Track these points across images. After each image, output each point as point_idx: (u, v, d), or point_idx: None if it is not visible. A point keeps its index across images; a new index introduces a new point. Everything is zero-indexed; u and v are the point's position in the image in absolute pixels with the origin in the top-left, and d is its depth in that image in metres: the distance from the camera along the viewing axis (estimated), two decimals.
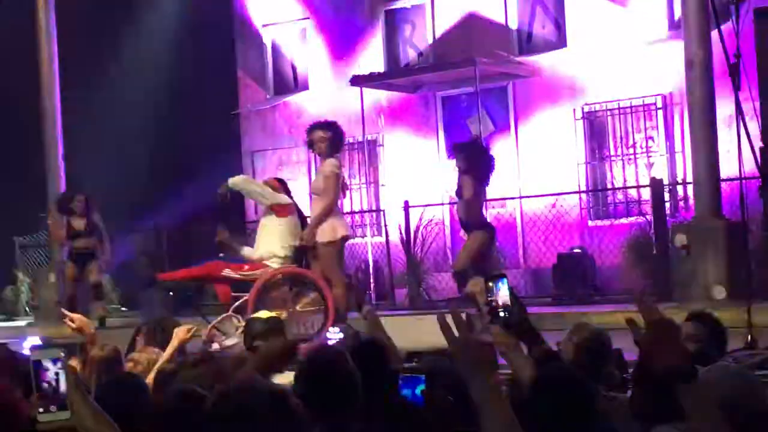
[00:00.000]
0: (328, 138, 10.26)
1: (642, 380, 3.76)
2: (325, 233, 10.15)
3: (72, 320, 7.16)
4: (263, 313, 6.11)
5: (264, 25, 19.30)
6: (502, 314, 3.98)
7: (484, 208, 12.13)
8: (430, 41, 17.69)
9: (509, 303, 3.98)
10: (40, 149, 16.93)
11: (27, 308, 17.63)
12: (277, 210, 10.41)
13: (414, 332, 8.29)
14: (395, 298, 15.43)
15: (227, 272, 10.27)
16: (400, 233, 15.73)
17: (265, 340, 5.73)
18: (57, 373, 3.07)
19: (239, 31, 19.59)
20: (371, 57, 18.06)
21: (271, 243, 10.39)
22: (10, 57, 18.12)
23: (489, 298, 4.00)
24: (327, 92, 18.57)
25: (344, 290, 10.22)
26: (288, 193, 10.69)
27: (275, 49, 19.34)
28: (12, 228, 19.03)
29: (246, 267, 10.36)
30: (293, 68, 19.27)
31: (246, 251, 10.66)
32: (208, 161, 16.66)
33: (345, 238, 10.35)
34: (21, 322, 16.25)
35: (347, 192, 10.80)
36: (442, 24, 17.50)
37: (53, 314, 15.17)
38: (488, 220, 12.55)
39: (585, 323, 5.76)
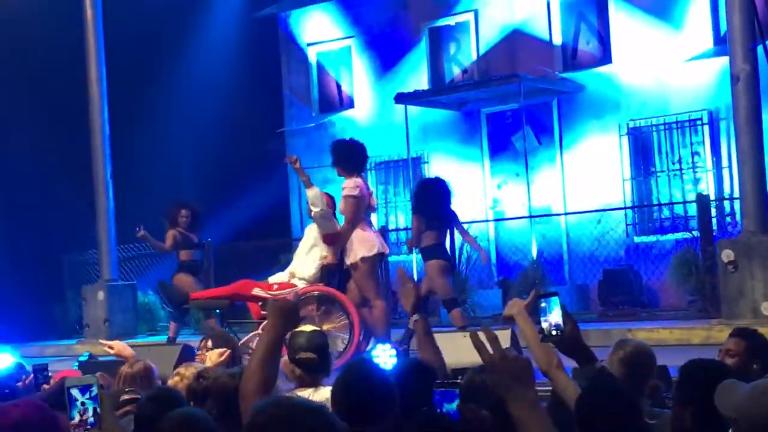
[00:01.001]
0: (338, 160, 10.32)
1: (682, 398, 3.77)
2: (355, 253, 10.21)
3: (110, 347, 7.23)
4: (307, 327, 6.13)
5: (309, 44, 19.44)
6: (554, 333, 4.01)
7: (442, 237, 11.86)
8: (475, 58, 17.72)
9: (561, 321, 4.00)
10: (89, 167, 17.11)
11: (77, 326, 17.79)
12: (327, 237, 10.52)
13: (459, 349, 8.30)
14: (441, 315, 15.42)
15: (257, 291, 10.42)
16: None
17: (309, 354, 5.77)
18: (84, 403, 3.15)
19: (285, 49, 19.74)
20: (415, 74, 18.13)
21: (307, 263, 10.56)
22: (60, 75, 18.38)
23: (541, 317, 4.02)
24: (371, 110, 18.67)
25: (382, 308, 10.27)
26: (333, 208, 10.69)
27: (320, 67, 19.46)
28: (60, 246, 19.24)
29: (275, 286, 10.48)
30: (338, 86, 19.38)
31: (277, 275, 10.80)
32: (254, 179, 16.80)
33: (376, 257, 10.33)
34: (70, 341, 16.40)
35: (373, 208, 10.67)
36: (486, 41, 17.54)
37: (102, 332, 15.35)
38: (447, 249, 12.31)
39: (629, 339, 5.75)
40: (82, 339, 16.37)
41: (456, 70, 18.09)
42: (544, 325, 4.03)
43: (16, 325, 15.66)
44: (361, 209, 10.34)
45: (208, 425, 3.81)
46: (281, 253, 16.00)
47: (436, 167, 17.56)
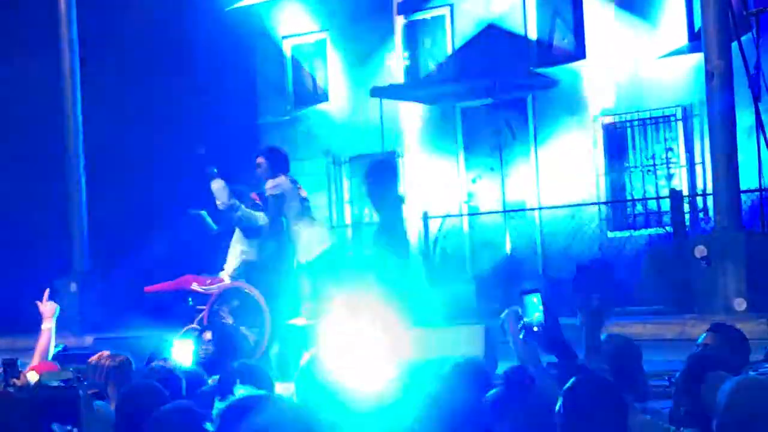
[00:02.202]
0: (264, 163, 10.52)
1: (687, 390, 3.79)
2: (299, 255, 10.41)
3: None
4: (298, 320, 6.26)
5: (284, 37, 19.37)
6: (535, 329, 4.01)
7: None
8: (450, 53, 17.71)
9: (543, 318, 4.00)
10: (62, 158, 17.03)
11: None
12: (246, 231, 11.12)
13: (428, 345, 8.29)
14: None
15: (194, 286, 11.06)
16: (420, 243, 15.73)
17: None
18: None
19: (260, 42, 19.66)
20: (391, 69, 18.10)
21: (229, 259, 11.21)
22: (33, 67, 18.27)
23: (522, 314, 4.03)
24: (346, 104, 18.63)
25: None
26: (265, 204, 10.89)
27: (295, 60, 19.40)
28: (33, 237, 19.13)
29: (208, 281, 11.09)
30: (313, 80, 19.34)
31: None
32: (229, 171, 16.68)
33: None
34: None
35: (308, 207, 10.69)
36: (461, 35, 17.52)
37: (74, 324, 15.26)
38: None
39: (616, 334, 5.73)
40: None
41: (432, 65, 18.07)
42: (526, 320, 4.04)
43: None
44: (286, 208, 10.47)
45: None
46: None
47: (411, 161, 17.55)
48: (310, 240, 10.33)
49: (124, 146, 18.57)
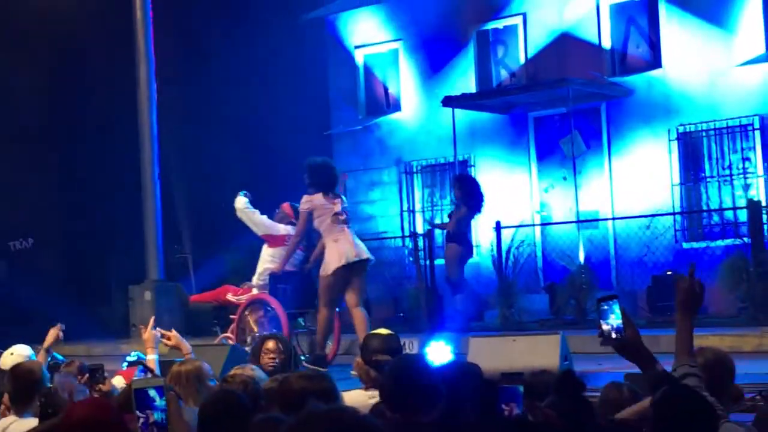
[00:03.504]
0: (306, 177, 11.14)
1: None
2: (322, 267, 10.95)
3: (168, 338, 7.27)
4: (382, 330, 6.23)
5: (357, 47, 19.44)
6: (614, 336, 3.96)
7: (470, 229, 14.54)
8: (523, 62, 17.65)
9: (621, 325, 3.95)
10: (137, 167, 17.21)
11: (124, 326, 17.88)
12: (268, 239, 11.63)
13: (507, 353, 8.25)
14: (487, 318, 15.36)
15: (229, 296, 11.74)
16: (492, 253, 15.67)
17: (384, 356, 5.82)
18: (151, 405, 3.18)
19: (332, 52, 19.74)
20: (463, 78, 18.08)
21: (258, 269, 11.69)
22: (109, 76, 18.52)
23: (601, 321, 3.98)
24: (418, 113, 18.64)
25: (326, 315, 10.97)
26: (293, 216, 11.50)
27: (367, 70, 19.46)
28: (108, 246, 19.38)
29: (240, 291, 11.71)
30: (385, 89, 19.37)
31: None
32: (301, 182, 16.77)
33: (337, 271, 10.87)
34: (118, 342, 16.47)
35: (341, 221, 11.08)
36: (534, 44, 17.46)
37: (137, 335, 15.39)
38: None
39: (706, 346, 5.65)
40: (128, 339, 16.45)
41: (504, 74, 18.02)
42: (605, 328, 3.99)
43: (64, 323, 15.75)
44: (317, 222, 11.00)
45: None
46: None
47: (483, 171, 17.50)
48: (332, 254, 10.86)
49: (198, 156, 18.78)
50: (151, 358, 6.97)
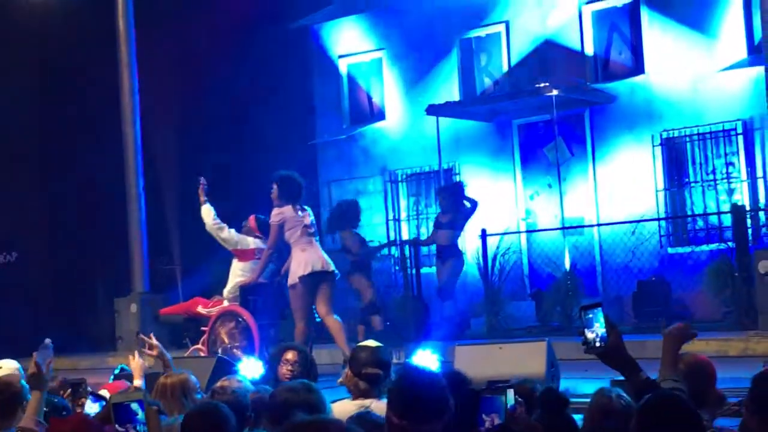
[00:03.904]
0: (275, 189, 11.34)
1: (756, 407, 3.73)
2: (293, 274, 11.15)
3: (151, 347, 7.24)
4: (371, 342, 6.23)
5: (340, 56, 19.45)
6: (598, 344, 3.96)
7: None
8: (506, 69, 17.68)
9: (606, 333, 3.95)
10: (121, 179, 17.18)
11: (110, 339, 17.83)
12: (238, 254, 11.83)
13: (493, 361, 8.25)
14: (473, 326, 15.37)
15: (200, 308, 11.87)
16: (478, 261, 15.68)
17: (374, 369, 5.81)
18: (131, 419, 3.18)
19: (316, 61, 19.74)
20: (447, 86, 18.10)
21: (229, 282, 11.85)
22: (91, 86, 18.48)
23: (585, 329, 3.98)
24: (402, 121, 18.65)
25: (303, 327, 11.18)
26: (266, 228, 11.55)
27: (351, 79, 19.46)
28: (93, 259, 19.31)
29: (210, 304, 11.85)
30: (369, 98, 19.38)
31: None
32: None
33: (303, 278, 11.11)
34: (104, 355, 16.42)
35: (310, 233, 11.40)
36: (517, 51, 17.49)
37: (134, 345, 15.34)
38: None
39: (688, 352, 5.66)
40: (115, 352, 16.41)
41: (488, 82, 18.04)
42: (589, 336, 3.99)
43: (49, 336, 15.70)
44: (287, 234, 11.25)
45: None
46: None
47: (468, 178, 17.50)
48: (299, 262, 11.09)
49: (181, 167, 18.72)
50: (138, 383, 6.91)
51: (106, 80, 17.81)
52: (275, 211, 11.26)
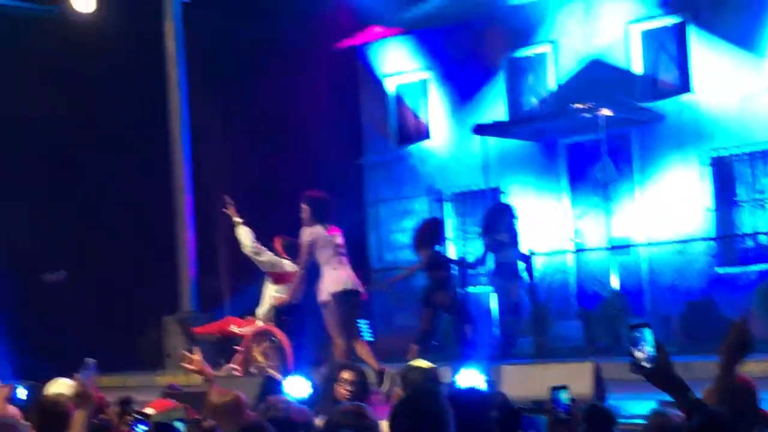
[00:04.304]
0: (306, 210, 11.23)
1: None
2: (324, 291, 11.05)
3: (191, 362, 7.28)
4: (422, 363, 6.24)
5: (388, 76, 19.51)
6: (646, 364, 3.94)
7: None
8: (553, 88, 17.64)
9: (654, 353, 3.92)
10: (170, 198, 17.31)
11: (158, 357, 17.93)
12: (274, 276, 11.79)
13: (540, 380, 8.21)
14: (520, 345, 15.30)
15: (233, 327, 11.92)
16: (525, 281, 15.60)
17: (423, 388, 5.82)
18: None
19: (364, 81, 19.82)
20: (493, 105, 18.09)
21: (262, 302, 11.85)
22: (141, 105, 18.65)
23: (633, 348, 3.95)
24: (449, 141, 18.67)
25: (343, 343, 11.04)
26: (293, 250, 11.47)
27: (398, 99, 19.52)
28: (142, 278, 19.44)
29: (243, 323, 11.87)
30: (416, 117, 19.41)
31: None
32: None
33: (343, 294, 11.04)
34: (152, 373, 16.52)
35: (341, 252, 11.30)
36: (564, 71, 17.45)
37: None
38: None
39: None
40: (162, 370, 16.50)
41: (534, 101, 18.02)
42: (637, 356, 3.96)
43: (98, 355, 15.83)
44: (318, 253, 11.14)
45: None
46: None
47: (515, 198, 17.46)
48: (331, 279, 11.01)
49: (231, 187, 18.82)
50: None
51: (155, 101, 17.98)
52: (306, 231, 11.22)
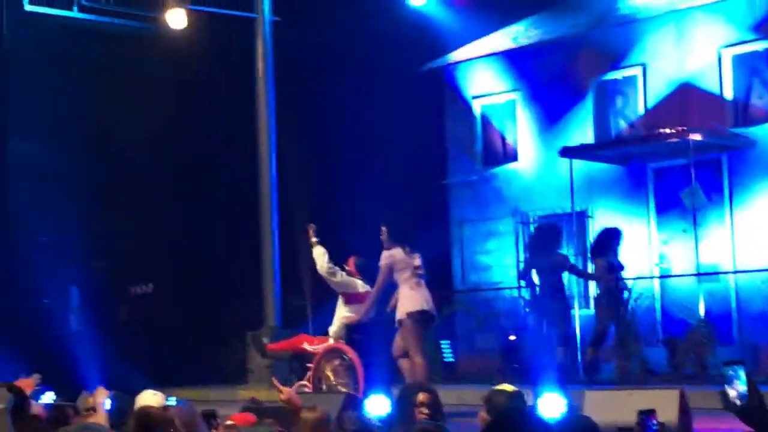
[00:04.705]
0: (386, 231, 11.47)
1: None
2: (401, 310, 11.24)
3: (281, 391, 7.34)
4: (507, 387, 6.26)
5: (474, 97, 19.50)
6: (738, 402, 3.88)
7: None
8: (642, 112, 17.48)
9: (747, 390, 3.87)
10: (256, 214, 17.48)
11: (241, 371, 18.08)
12: (347, 296, 11.97)
13: (624, 406, 8.11)
14: (604, 371, 15.15)
15: (305, 345, 12.15)
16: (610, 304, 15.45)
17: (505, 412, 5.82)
18: None
19: (450, 102, 19.84)
20: (581, 128, 17.98)
21: (334, 321, 12.03)
22: (227, 125, 18.87)
23: (726, 385, 3.90)
24: (535, 163, 18.59)
25: (421, 365, 11.17)
26: (366, 270, 11.83)
27: (485, 120, 19.49)
28: (226, 292, 19.63)
29: (316, 341, 12.14)
30: (502, 139, 19.37)
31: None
32: (416, 230, 16.85)
33: (420, 314, 11.24)
34: (235, 387, 16.65)
35: (419, 275, 11.49)
36: (654, 94, 17.28)
37: (265, 378, 15.54)
38: None
39: None
40: (245, 384, 16.62)
41: (623, 124, 17.87)
42: (730, 393, 3.91)
43: (183, 368, 16.02)
44: (396, 275, 11.39)
45: None
46: (443, 306, 15.98)
47: (601, 222, 17.32)
48: (408, 298, 11.20)
49: (315, 205, 18.95)
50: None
51: (244, 119, 18.19)
52: (385, 253, 11.42)
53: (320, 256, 12.00)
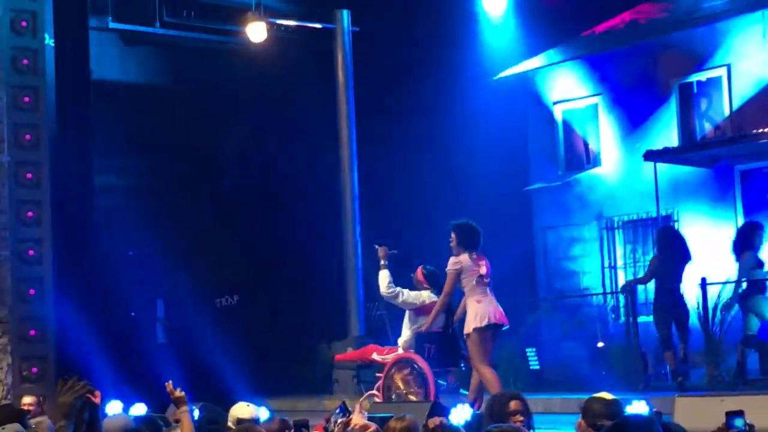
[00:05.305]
0: (455, 237, 11.44)
1: None
2: (468, 324, 11.18)
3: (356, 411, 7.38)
4: (605, 395, 6.24)
5: (555, 102, 19.39)
6: None
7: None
8: (727, 114, 17.24)
9: None
10: (339, 225, 17.56)
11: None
12: (414, 311, 11.89)
13: (714, 414, 7.99)
14: (693, 378, 14.93)
15: (374, 355, 12.22)
16: (698, 311, 15.24)
17: (606, 421, 5.79)
18: None
19: (531, 108, 19.75)
20: (665, 131, 17.77)
21: (404, 331, 12.01)
22: (311, 136, 19.00)
23: None
24: (618, 168, 18.41)
25: (490, 372, 11.09)
26: (434, 278, 11.78)
27: (566, 125, 19.37)
28: (311, 301, 19.73)
29: (385, 351, 12.13)
30: (585, 144, 19.22)
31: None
32: (499, 237, 16.79)
33: (487, 328, 11.14)
34: (321, 398, 16.71)
35: (485, 283, 11.40)
36: (739, 96, 17.03)
37: (350, 388, 15.60)
38: None
39: None
40: (331, 395, 16.67)
41: (708, 126, 17.63)
42: None
43: (270, 379, 16.12)
44: (462, 282, 11.33)
45: None
46: (527, 313, 15.90)
47: (687, 226, 17.09)
48: (474, 313, 11.12)
49: (396, 216, 18.99)
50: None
51: (324, 130, 18.28)
52: (452, 259, 11.37)
53: (383, 279, 12.00)
